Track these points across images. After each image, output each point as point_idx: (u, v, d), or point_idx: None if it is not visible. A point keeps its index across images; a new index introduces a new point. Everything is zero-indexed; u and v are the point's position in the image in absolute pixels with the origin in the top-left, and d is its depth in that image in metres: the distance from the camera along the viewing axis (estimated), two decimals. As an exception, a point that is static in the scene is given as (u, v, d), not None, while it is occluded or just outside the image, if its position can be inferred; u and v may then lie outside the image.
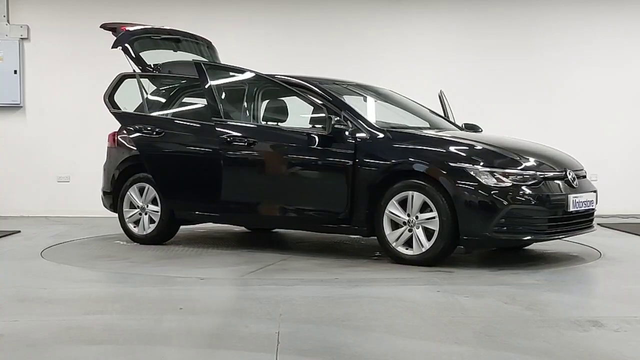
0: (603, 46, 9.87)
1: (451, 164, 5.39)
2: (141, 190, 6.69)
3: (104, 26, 6.91)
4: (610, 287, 5.07)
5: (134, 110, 6.85)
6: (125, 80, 6.87)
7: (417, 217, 5.42)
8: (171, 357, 3.29)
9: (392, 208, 5.50)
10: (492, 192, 5.25)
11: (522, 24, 9.89)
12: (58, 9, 9.65)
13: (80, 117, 9.43)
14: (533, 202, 5.35)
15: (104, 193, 7.12)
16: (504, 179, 5.30)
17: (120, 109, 6.77)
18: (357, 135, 5.70)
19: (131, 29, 6.82)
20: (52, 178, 9.47)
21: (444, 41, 9.93)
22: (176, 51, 7.08)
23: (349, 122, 5.75)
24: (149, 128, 6.56)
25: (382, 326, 3.72)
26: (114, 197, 6.91)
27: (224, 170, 6.05)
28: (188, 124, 6.63)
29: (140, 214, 6.70)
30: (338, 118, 5.72)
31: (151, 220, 6.63)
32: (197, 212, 6.44)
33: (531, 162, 5.58)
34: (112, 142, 7.08)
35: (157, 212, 6.59)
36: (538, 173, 5.47)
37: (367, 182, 5.60)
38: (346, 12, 9.86)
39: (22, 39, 9.56)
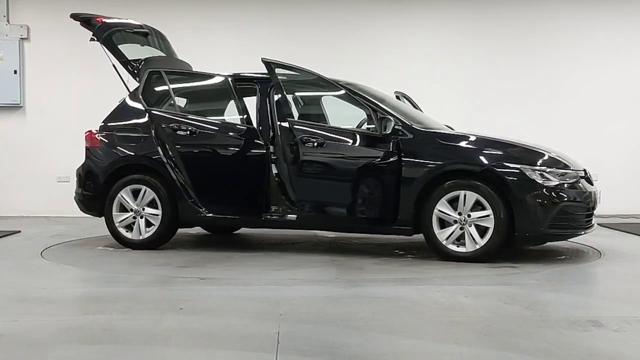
0: (603, 46, 9.88)
1: (506, 163, 5.61)
2: (134, 193, 6.40)
3: (75, 16, 6.66)
4: (610, 287, 5.07)
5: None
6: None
7: (469, 216, 5.56)
8: (171, 357, 3.29)
9: (442, 207, 5.64)
10: (546, 191, 5.54)
11: (522, 24, 9.89)
12: (58, 9, 9.64)
13: (80, 117, 9.41)
14: (577, 199, 5.69)
15: (86, 196, 6.69)
16: (551, 177, 5.61)
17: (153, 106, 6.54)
18: (402, 136, 5.79)
19: (108, 21, 6.63)
20: (52, 178, 9.48)
21: (444, 41, 9.93)
22: (143, 45, 6.93)
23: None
24: (186, 129, 6.33)
25: (382, 326, 3.72)
26: (100, 200, 6.52)
27: (295, 173, 5.96)
28: (235, 125, 6.43)
29: (134, 217, 6.42)
30: (392, 119, 5.79)
31: (147, 224, 6.38)
32: (243, 216, 6.27)
33: (565, 161, 5.86)
34: (94, 141, 6.68)
35: (157, 215, 6.34)
36: (575, 172, 5.80)
37: (415, 182, 5.70)
38: (346, 12, 9.87)
39: (22, 39, 9.57)
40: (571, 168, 5.81)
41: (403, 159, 5.74)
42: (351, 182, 5.88)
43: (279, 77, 6.04)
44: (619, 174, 9.65)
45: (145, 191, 6.39)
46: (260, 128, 6.39)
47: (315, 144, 5.88)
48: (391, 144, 5.78)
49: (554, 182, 5.60)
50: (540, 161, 5.71)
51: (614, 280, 5.29)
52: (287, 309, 4.08)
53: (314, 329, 3.67)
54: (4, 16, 9.57)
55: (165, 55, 7.13)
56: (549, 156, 5.82)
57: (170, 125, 6.37)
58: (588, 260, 5.95)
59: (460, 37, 9.93)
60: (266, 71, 6.13)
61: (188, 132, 6.31)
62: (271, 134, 6.40)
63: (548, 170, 5.63)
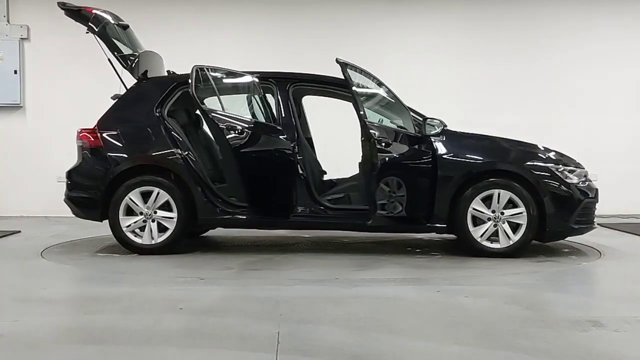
0: (603, 46, 9.87)
1: (536, 163, 5.96)
2: (143, 195, 6.05)
3: (62, 5, 6.32)
4: (610, 287, 5.07)
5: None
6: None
7: (502, 213, 5.85)
8: (171, 357, 3.29)
9: (477, 205, 5.88)
10: (572, 188, 5.93)
11: (523, 25, 9.88)
12: (58, 9, 9.62)
13: (80, 117, 9.35)
14: (592, 196, 6.06)
15: (84, 199, 6.23)
16: (571, 176, 5.99)
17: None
18: (436, 137, 5.96)
19: (99, 12, 6.33)
20: (52, 178, 9.43)
21: (444, 42, 9.92)
22: (122, 39, 6.58)
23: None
24: (235, 128, 5.91)
25: (382, 326, 3.72)
26: (102, 203, 6.11)
27: (373, 174, 5.84)
28: (269, 125, 6.15)
29: (144, 221, 6.04)
30: (439, 122, 5.97)
31: (160, 228, 6.05)
32: (293, 218, 6.08)
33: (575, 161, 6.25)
34: (94, 141, 6.23)
35: (172, 218, 6.02)
36: (585, 170, 6.16)
37: (451, 181, 5.88)
38: (346, 13, 9.85)
39: (22, 39, 9.57)
40: (583, 167, 6.17)
41: (439, 159, 5.89)
42: (403, 182, 5.92)
43: (352, 80, 5.93)
44: (619, 174, 9.65)
45: (158, 193, 6.04)
46: (282, 128, 6.17)
47: (384, 145, 5.87)
48: (425, 144, 5.93)
49: (575, 180, 5.98)
50: (563, 161, 6.08)
51: (614, 280, 5.30)
52: (287, 309, 4.08)
53: (314, 329, 3.67)
54: (4, 16, 9.57)
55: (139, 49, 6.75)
56: (566, 156, 6.18)
57: (224, 124, 5.92)
58: (588, 260, 5.95)
59: (461, 38, 9.93)
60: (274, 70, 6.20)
61: (236, 132, 5.91)
62: (295, 134, 6.19)
63: (569, 169, 6.01)
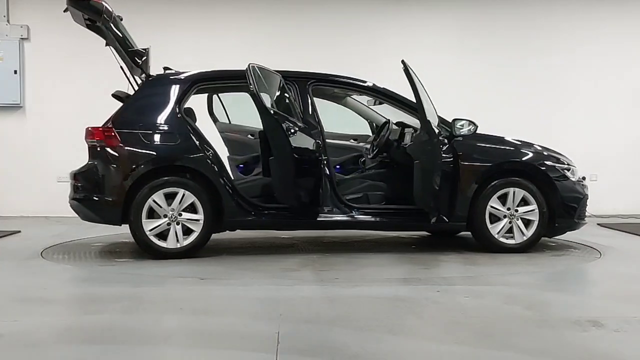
0: (603, 47, 9.88)
1: (547, 162, 6.24)
2: (167, 197, 5.75)
3: None
4: (610, 287, 5.07)
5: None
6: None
7: (516, 210, 6.08)
8: (171, 357, 3.29)
9: (494, 203, 6.09)
10: (575, 186, 6.28)
11: (523, 25, 9.90)
12: (58, 9, 9.57)
13: (80, 117, 9.38)
14: (587, 192, 6.40)
15: (100, 202, 5.85)
16: (570, 174, 6.28)
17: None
18: (456, 137, 6.11)
19: (106, 4, 5.95)
20: (52, 178, 9.45)
21: (445, 43, 9.94)
22: (125, 34, 6.26)
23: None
24: (291, 130, 5.69)
25: (382, 326, 3.72)
26: (121, 206, 5.73)
27: (437, 174, 5.88)
28: (303, 127, 5.94)
29: (168, 224, 5.74)
30: (460, 121, 6.11)
31: (185, 231, 5.78)
32: (334, 219, 6.07)
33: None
34: (110, 139, 5.84)
35: (198, 220, 5.76)
36: (576, 168, 6.44)
37: (472, 180, 6.05)
38: (346, 14, 9.86)
39: (22, 39, 9.57)
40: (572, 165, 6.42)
41: (459, 159, 6.03)
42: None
43: (414, 78, 6.01)
44: (619, 174, 9.65)
45: (183, 195, 5.75)
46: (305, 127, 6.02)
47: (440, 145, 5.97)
48: (449, 144, 6.05)
49: (575, 178, 6.31)
50: (564, 160, 6.35)
51: (614, 280, 5.29)
52: (287, 309, 4.08)
53: (314, 329, 3.67)
54: (4, 16, 9.57)
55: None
56: (561, 154, 6.42)
57: (285, 125, 5.68)
58: (588, 260, 5.95)
59: (462, 39, 9.93)
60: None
61: (291, 133, 5.67)
62: (319, 134, 6.06)
63: (565, 167, 6.28)
